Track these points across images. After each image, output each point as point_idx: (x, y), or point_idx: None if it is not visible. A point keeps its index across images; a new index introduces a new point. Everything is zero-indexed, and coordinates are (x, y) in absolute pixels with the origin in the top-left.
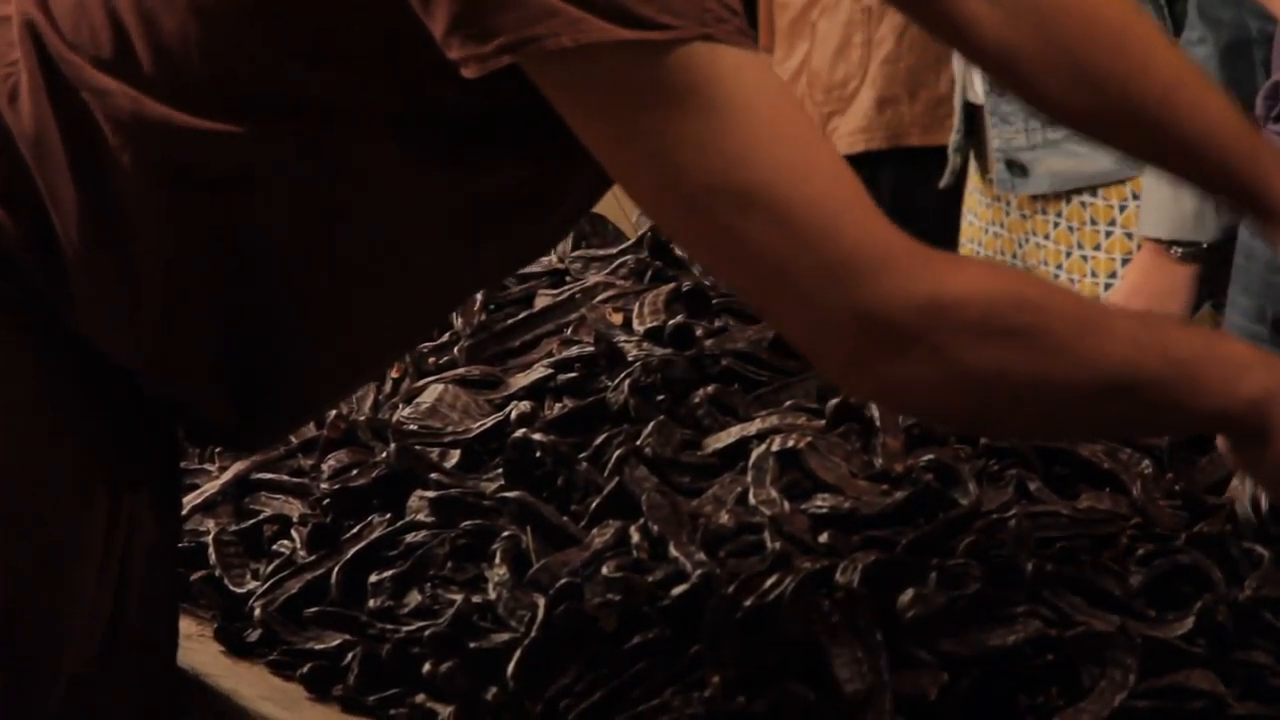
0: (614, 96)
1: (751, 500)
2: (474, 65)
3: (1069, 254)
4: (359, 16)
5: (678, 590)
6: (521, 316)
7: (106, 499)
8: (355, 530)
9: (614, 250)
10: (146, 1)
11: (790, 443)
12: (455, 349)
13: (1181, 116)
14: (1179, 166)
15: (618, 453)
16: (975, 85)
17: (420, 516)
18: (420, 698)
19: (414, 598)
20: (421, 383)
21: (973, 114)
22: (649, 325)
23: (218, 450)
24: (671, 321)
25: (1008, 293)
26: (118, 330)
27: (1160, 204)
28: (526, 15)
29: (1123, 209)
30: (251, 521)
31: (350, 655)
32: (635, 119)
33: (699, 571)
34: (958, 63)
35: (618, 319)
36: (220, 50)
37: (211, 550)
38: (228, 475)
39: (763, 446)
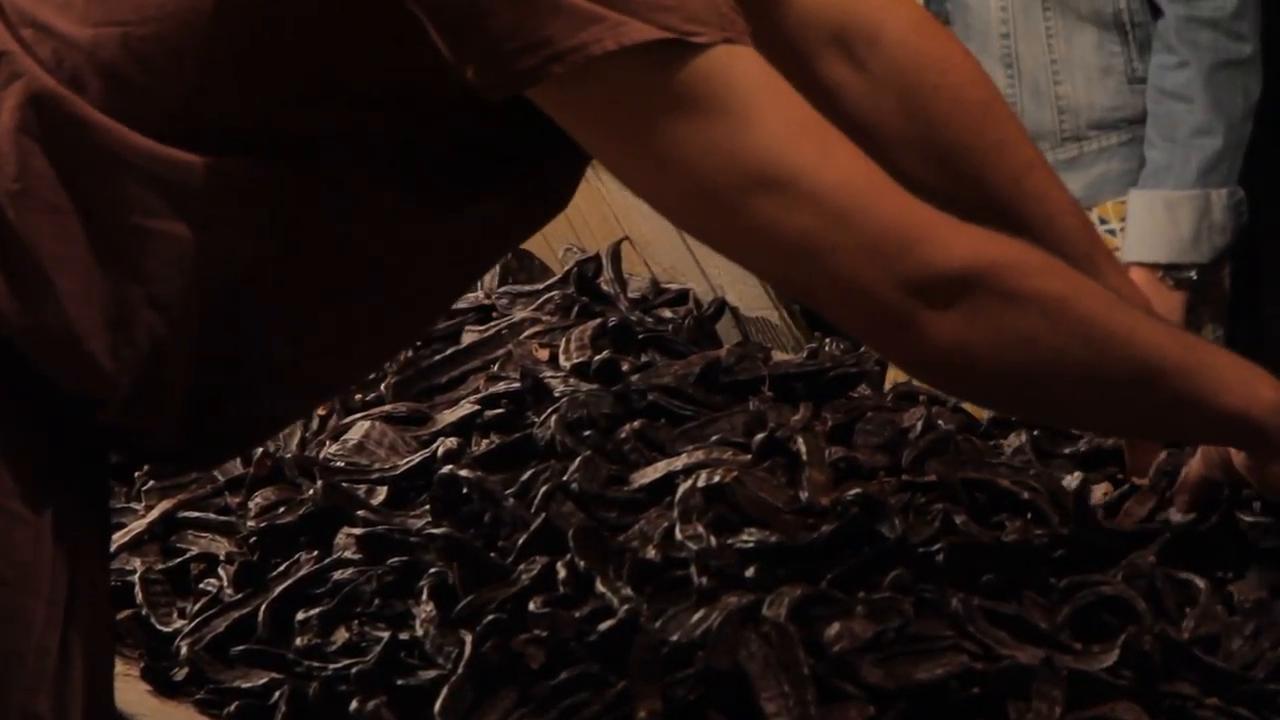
0: (642, 104)
1: (678, 535)
2: (513, 82)
3: None
4: (365, 54)
5: (604, 625)
6: (448, 353)
7: (51, 530)
8: (282, 568)
9: (540, 286)
10: (136, 40)
11: (717, 477)
12: (382, 385)
13: (1030, 202)
14: None
15: (544, 488)
16: None
17: (347, 554)
18: None
19: (341, 635)
20: (348, 419)
21: None
22: (575, 361)
23: (144, 488)
24: (598, 357)
25: (1044, 259)
26: (94, 370)
27: (1156, 227)
28: (572, 22)
29: None
30: (178, 560)
31: (278, 693)
32: (663, 126)
33: (626, 607)
34: None
35: (544, 355)
36: (219, 90)
37: (138, 589)
38: (154, 514)
39: (689, 481)
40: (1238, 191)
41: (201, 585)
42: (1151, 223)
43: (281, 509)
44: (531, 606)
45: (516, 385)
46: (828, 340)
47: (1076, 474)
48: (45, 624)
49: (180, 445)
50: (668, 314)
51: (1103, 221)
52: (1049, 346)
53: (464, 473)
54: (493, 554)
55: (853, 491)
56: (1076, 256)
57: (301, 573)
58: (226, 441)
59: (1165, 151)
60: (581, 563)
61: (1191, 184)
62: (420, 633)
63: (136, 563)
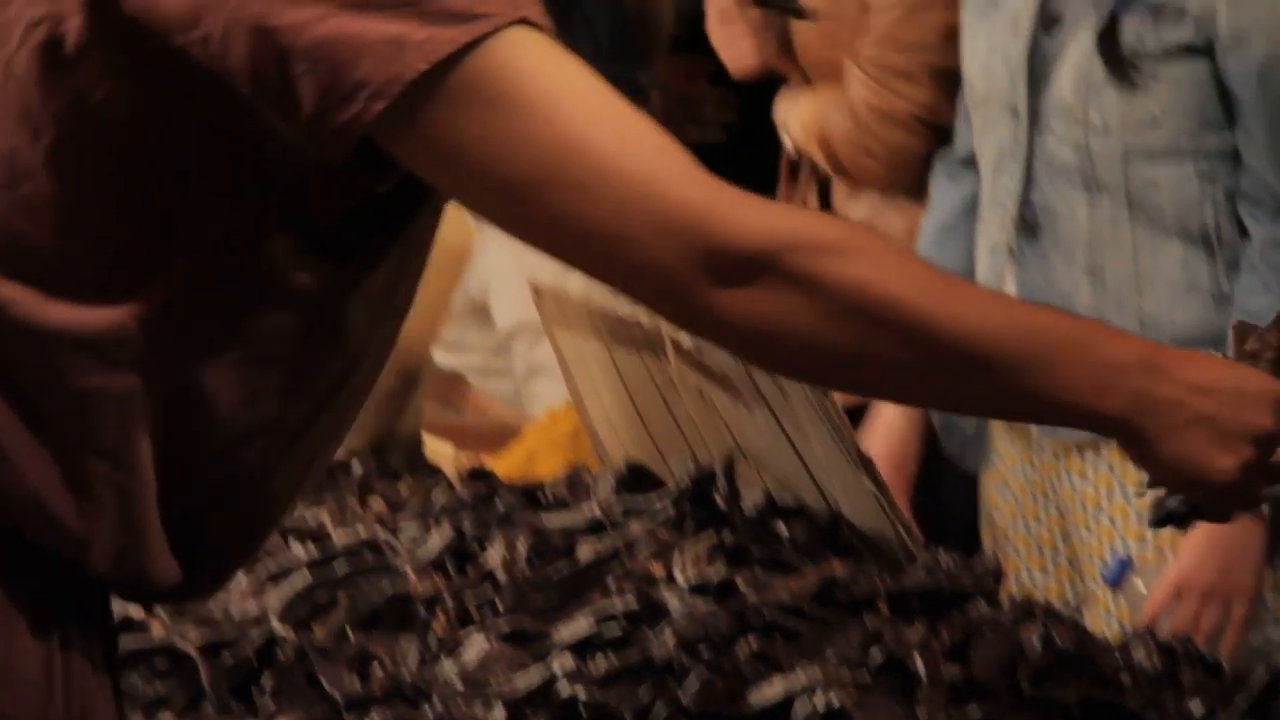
0: (455, 115)
1: None
2: (343, 133)
3: (1111, 496)
4: (237, 149)
5: None
6: (564, 569)
7: (60, 660)
8: None
9: (655, 500)
10: (22, 200)
11: (834, 698)
12: (498, 600)
13: None
14: None
15: (663, 709)
16: None
17: None
18: None
19: None
20: (464, 632)
21: None
22: (691, 578)
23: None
24: (714, 574)
25: (849, 239)
26: (63, 532)
27: None
28: (381, 58)
29: None
30: None
31: None
32: (468, 128)
33: None
34: None
35: (660, 570)
36: (114, 229)
37: None
38: None
39: (809, 703)
40: None
41: None
42: None
43: None
44: None
45: (634, 604)
46: (940, 549)
47: (1198, 702)
48: None
49: (181, 580)
50: (782, 528)
51: None
52: (837, 333)
53: (582, 693)
54: None
55: (971, 712)
56: None
57: None
58: (226, 560)
59: None
60: None
61: None
62: None
63: None
